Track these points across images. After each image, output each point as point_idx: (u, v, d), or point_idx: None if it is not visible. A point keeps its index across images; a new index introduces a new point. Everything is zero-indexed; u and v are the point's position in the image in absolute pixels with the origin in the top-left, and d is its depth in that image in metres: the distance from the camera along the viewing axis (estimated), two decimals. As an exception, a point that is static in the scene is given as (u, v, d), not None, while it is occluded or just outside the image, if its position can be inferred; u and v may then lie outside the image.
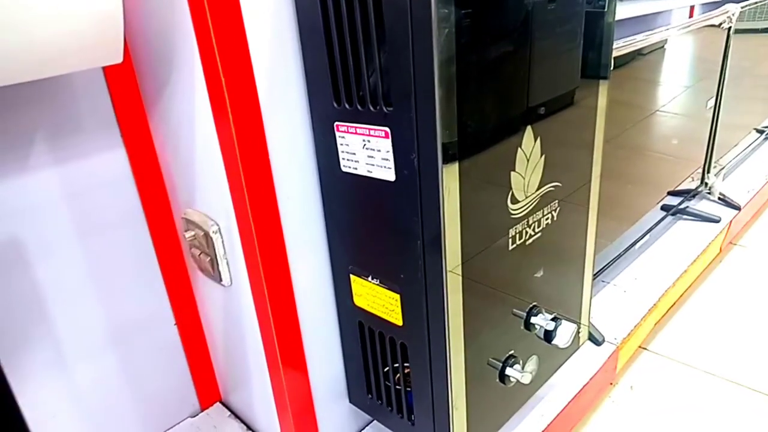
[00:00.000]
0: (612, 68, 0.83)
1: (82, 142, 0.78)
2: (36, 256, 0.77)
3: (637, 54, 1.30)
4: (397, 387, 0.80)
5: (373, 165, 0.66)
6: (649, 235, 1.45)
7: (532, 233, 0.77)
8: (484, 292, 0.72)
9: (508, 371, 0.79)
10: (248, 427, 0.99)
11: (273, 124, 0.69)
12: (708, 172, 1.65)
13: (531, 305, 0.81)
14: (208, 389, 1.04)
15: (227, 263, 0.80)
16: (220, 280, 0.81)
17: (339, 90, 0.65)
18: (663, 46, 1.34)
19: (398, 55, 0.57)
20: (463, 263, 0.66)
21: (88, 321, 0.85)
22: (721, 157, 1.85)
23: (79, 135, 0.78)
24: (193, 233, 0.82)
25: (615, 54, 1.04)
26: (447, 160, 0.59)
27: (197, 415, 1.02)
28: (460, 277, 0.66)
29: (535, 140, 0.71)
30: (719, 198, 1.66)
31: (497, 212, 0.69)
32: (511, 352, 0.80)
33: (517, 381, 0.80)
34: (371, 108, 0.63)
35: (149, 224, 0.87)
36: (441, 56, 0.55)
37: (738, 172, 1.90)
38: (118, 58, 0.61)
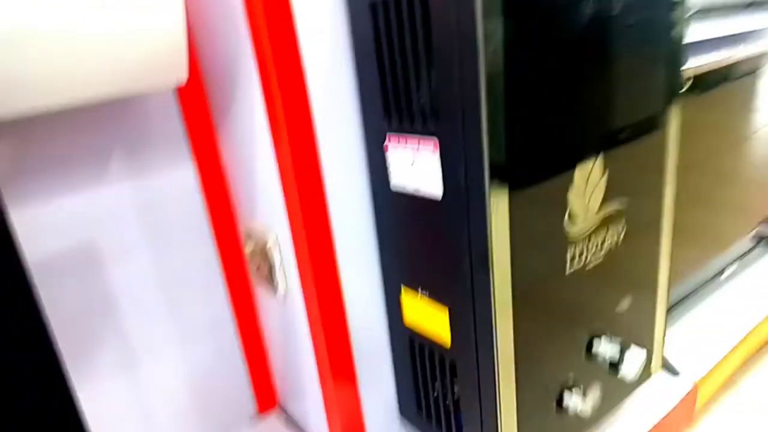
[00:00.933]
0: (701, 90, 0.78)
1: (154, 157, 0.84)
2: (110, 260, 0.84)
3: (730, 76, 1.22)
4: (447, 406, 0.78)
5: (420, 182, 0.65)
6: (737, 264, 1.33)
7: (593, 258, 0.73)
8: (538, 316, 0.69)
9: (566, 400, 0.75)
10: (303, 437, 1.00)
11: (327, 142, 0.70)
12: (812, 195, 1.50)
13: (595, 333, 0.77)
14: (266, 395, 1.06)
15: (284, 273, 0.82)
16: (276, 290, 0.84)
17: (390, 108, 0.66)
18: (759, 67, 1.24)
19: (446, 72, 0.57)
20: (513, 285, 0.63)
21: (154, 324, 0.90)
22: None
23: (151, 151, 0.83)
24: (252, 244, 0.85)
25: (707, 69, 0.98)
26: (495, 178, 0.58)
27: (254, 419, 1.05)
28: (511, 298, 0.64)
29: (596, 159, 0.68)
30: (826, 224, 1.49)
31: (552, 233, 0.67)
32: (571, 380, 0.76)
33: (576, 411, 0.75)
34: (420, 126, 0.63)
35: (215, 235, 0.92)
36: (488, 71, 0.54)
37: None
38: (182, 77, 0.66)
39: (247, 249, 0.85)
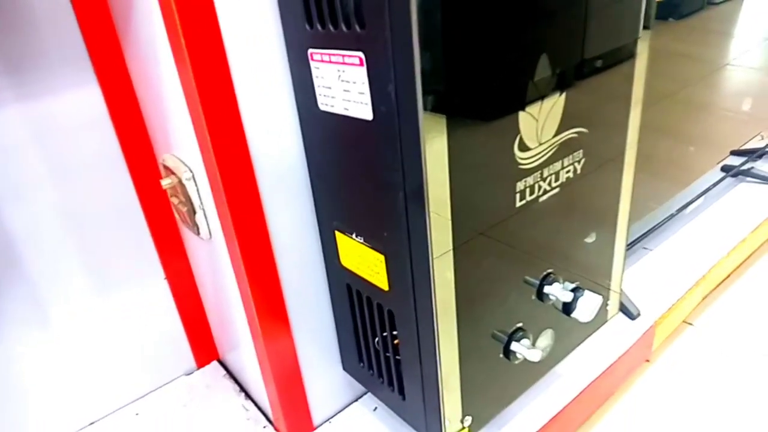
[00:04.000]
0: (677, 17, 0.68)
1: (48, 78, 0.71)
2: (5, 201, 0.73)
3: (707, 3, 1.12)
4: (387, 356, 0.72)
5: (349, 101, 0.56)
6: (704, 198, 1.29)
7: (548, 188, 0.65)
8: (482, 257, 0.61)
9: (514, 346, 0.69)
10: (241, 389, 0.94)
11: (239, 57, 0.59)
12: (782, 127, 1.44)
13: (546, 272, 0.70)
14: (204, 347, 0.99)
15: (204, 214, 0.73)
16: (198, 232, 0.74)
17: (310, 7, 0.55)
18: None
19: (369, -42, 0.46)
20: (454, 223, 0.55)
21: (67, 271, 0.80)
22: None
23: (43, 70, 0.71)
24: (169, 180, 0.74)
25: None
26: (430, 93, 0.48)
27: (192, 373, 0.98)
28: (450, 238, 0.56)
29: (554, 73, 0.59)
30: (793, 158, 1.45)
31: (499, 162, 0.58)
32: (520, 325, 0.70)
33: (525, 358, 0.70)
34: (344, 28, 0.52)
35: (130, 169, 0.81)
36: (418, -43, 0.43)
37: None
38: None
39: (165, 184, 0.75)
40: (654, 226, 1.18)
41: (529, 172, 0.61)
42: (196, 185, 0.71)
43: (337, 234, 0.68)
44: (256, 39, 0.60)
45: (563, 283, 0.72)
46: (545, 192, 0.65)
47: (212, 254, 0.78)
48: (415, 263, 0.58)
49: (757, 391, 0.99)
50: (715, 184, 1.32)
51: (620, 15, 0.65)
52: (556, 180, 0.65)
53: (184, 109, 0.63)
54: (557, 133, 0.63)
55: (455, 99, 0.51)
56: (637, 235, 1.15)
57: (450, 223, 0.55)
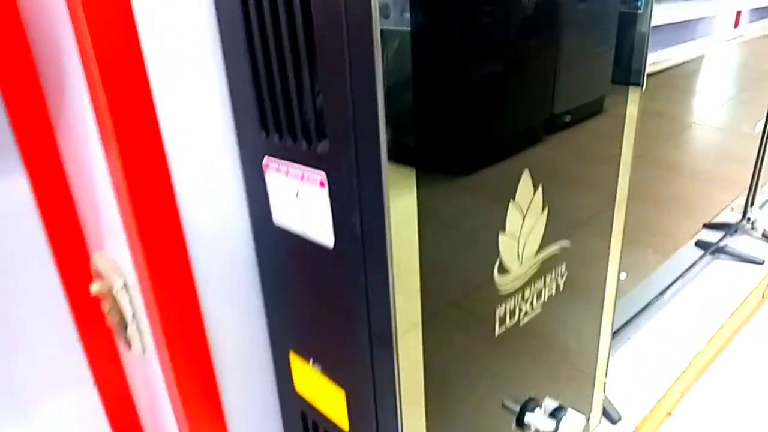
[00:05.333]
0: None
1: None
2: None
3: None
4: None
5: (308, 222, 0.48)
6: (681, 281, 1.25)
7: (529, 310, 0.58)
8: (458, 397, 0.53)
9: (492, 485, 0.61)
10: None
11: (182, 159, 0.51)
12: (751, 205, 1.44)
13: (526, 399, 0.63)
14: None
15: (137, 327, 0.63)
16: (130, 347, 0.64)
17: (266, 116, 0.48)
18: (702, 54, 1.14)
19: (333, 81, 0.39)
20: (426, 362, 0.48)
21: (-25, 384, 0.69)
22: (765, 184, 1.63)
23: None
24: (100, 284, 0.65)
25: (651, 70, 0.85)
26: (400, 224, 0.41)
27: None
28: (422, 382, 0.48)
29: (535, 189, 0.53)
30: (763, 235, 1.44)
31: (478, 289, 0.51)
32: (498, 458, 0.62)
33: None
34: (304, 144, 0.45)
35: (59, 266, 0.71)
36: (389, 79, 0.37)
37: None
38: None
39: (94, 290, 0.65)
40: (635, 314, 1.12)
41: (510, 296, 0.55)
42: (128, 295, 0.61)
43: (293, 356, 0.59)
44: (202, 137, 0.52)
45: (544, 406, 0.65)
46: (526, 315, 0.58)
47: (146, 370, 0.67)
48: (381, 408, 0.49)
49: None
50: (693, 265, 1.29)
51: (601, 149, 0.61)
52: (538, 299, 0.59)
53: (114, 210, 0.54)
54: (539, 251, 0.56)
55: (428, 229, 0.44)
56: (618, 326, 1.10)
57: (421, 361, 0.48)
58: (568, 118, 0.56)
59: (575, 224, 0.61)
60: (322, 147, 0.43)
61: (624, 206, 0.67)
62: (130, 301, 0.61)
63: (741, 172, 1.56)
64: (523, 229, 0.53)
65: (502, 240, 0.51)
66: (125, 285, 0.61)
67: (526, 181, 0.51)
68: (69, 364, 0.75)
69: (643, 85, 0.62)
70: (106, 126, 0.48)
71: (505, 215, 0.50)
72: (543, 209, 0.54)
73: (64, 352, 0.75)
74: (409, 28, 0.37)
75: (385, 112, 0.37)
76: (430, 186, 0.42)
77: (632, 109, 0.62)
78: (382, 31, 0.35)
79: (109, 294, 0.63)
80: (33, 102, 0.64)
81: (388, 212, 0.40)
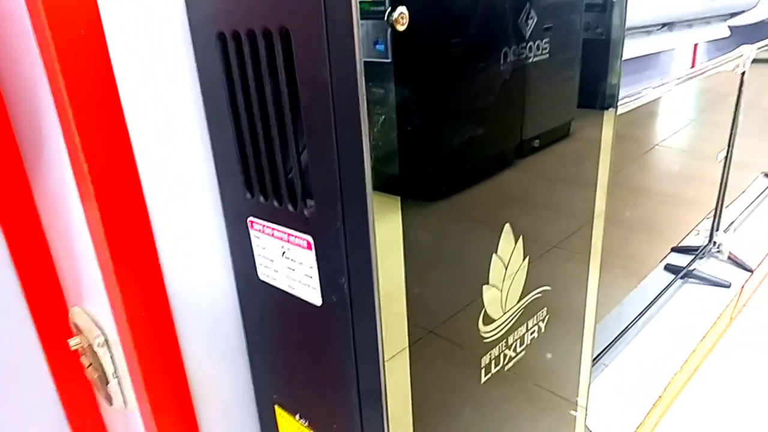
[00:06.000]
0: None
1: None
2: None
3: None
4: None
5: (294, 280, 0.48)
6: (654, 304, 1.28)
7: (513, 355, 0.59)
8: (446, 445, 0.54)
9: None
10: None
11: (163, 215, 0.51)
12: (717, 229, 1.49)
13: (511, 441, 0.64)
14: None
15: (119, 383, 0.62)
16: (111, 403, 0.63)
17: (251, 178, 0.48)
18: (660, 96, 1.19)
19: (319, 144, 0.40)
20: (414, 419, 0.48)
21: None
22: (730, 203, 1.69)
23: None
24: (78, 341, 0.64)
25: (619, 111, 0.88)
26: (388, 288, 0.42)
27: None
28: (411, 436, 0.49)
29: (516, 241, 0.54)
30: (729, 258, 1.49)
31: (464, 340, 0.52)
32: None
33: None
34: (290, 207, 0.46)
35: (35, 321, 0.69)
36: (376, 152, 0.38)
37: (747, 223, 1.73)
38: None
39: (74, 344, 0.64)
40: (611, 342, 1.15)
41: (494, 343, 0.56)
42: (109, 351, 0.60)
43: (278, 411, 0.59)
44: (185, 194, 0.53)
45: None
46: (510, 359, 0.59)
47: (128, 425, 0.66)
48: (371, 465, 0.49)
49: None
50: (662, 292, 1.33)
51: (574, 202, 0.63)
52: (521, 344, 0.60)
53: (94, 265, 0.54)
54: (521, 298, 0.58)
55: (416, 287, 0.45)
56: (596, 354, 1.12)
57: (411, 419, 0.48)
58: (537, 143, 0.56)
59: (554, 266, 0.62)
60: (309, 210, 0.44)
61: (601, 232, 0.68)
62: (111, 357, 0.60)
63: (705, 192, 1.61)
64: (505, 279, 0.54)
65: (486, 291, 0.52)
66: (106, 341, 0.60)
67: (507, 234, 0.52)
68: (48, 419, 0.73)
69: (616, 109, 0.63)
70: (87, 189, 0.48)
71: (489, 267, 0.52)
72: (524, 258, 0.56)
73: (43, 407, 0.73)
74: (394, 97, 0.38)
75: (370, 181, 0.38)
76: (417, 245, 0.43)
77: (607, 132, 0.63)
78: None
79: (89, 349, 0.62)
80: (8, 157, 0.63)
81: (377, 274, 0.41)
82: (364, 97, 0.36)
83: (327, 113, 0.38)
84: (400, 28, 0.36)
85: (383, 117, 0.37)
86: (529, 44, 0.47)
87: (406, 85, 0.38)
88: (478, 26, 0.42)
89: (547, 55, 0.50)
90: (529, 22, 0.46)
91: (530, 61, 0.48)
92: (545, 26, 0.48)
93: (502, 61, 0.45)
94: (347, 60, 0.35)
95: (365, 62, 0.35)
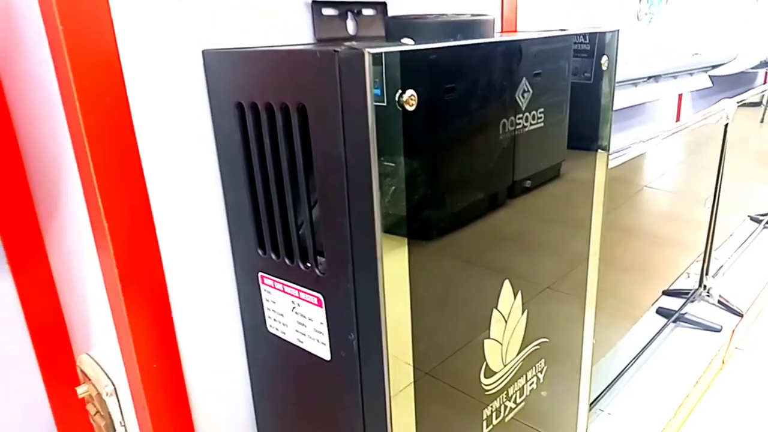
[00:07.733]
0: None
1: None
2: None
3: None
4: None
5: (304, 335, 0.50)
6: (647, 349, 1.30)
7: (513, 406, 0.61)
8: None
9: None
10: None
11: (178, 268, 0.53)
12: (706, 273, 1.52)
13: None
14: None
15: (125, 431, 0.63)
16: (116, 452, 0.64)
17: (263, 236, 0.51)
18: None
19: (332, 211, 0.43)
20: (418, 472, 0.49)
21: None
22: (719, 246, 1.73)
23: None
24: (86, 388, 0.65)
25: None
26: (398, 346, 0.44)
27: None
28: (416, 490, 0.50)
29: (515, 295, 0.57)
30: (719, 301, 1.52)
31: (467, 395, 0.54)
32: None
33: None
34: (301, 265, 0.48)
35: (42, 371, 0.70)
36: (386, 220, 0.41)
37: (736, 267, 1.77)
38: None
39: (81, 392, 0.65)
40: (606, 387, 1.16)
41: (495, 395, 0.58)
42: (117, 400, 0.61)
43: (284, 461, 0.60)
44: (197, 247, 0.55)
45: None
46: (510, 410, 0.61)
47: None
48: None
49: None
50: (655, 336, 1.35)
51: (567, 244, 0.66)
52: (521, 395, 0.62)
53: (108, 319, 0.55)
54: (521, 350, 0.60)
55: (423, 342, 0.47)
56: (593, 397, 1.13)
57: (415, 472, 0.50)
58: (528, 183, 0.59)
59: (551, 314, 0.65)
60: (320, 268, 0.46)
61: (596, 274, 0.70)
62: (119, 406, 0.61)
63: (693, 234, 1.65)
64: (505, 332, 0.56)
65: (488, 345, 0.54)
66: (115, 390, 0.61)
67: (506, 290, 0.55)
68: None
69: (609, 151, 0.66)
70: (106, 246, 0.50)
71: (489, 322, 0.54)
72: (523, 312, 0.58)
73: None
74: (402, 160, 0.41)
75: (381, 246, 0.41)
76: (424, 306, 0.46)
77: (600, 174, 0.66)
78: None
79: (98, 398, 0.63)
80: (23, 210, 0.65)
81: (386, 331, 0.43)
82: (377, 170, 0.39)
83: (341, 183, 0.41)
84: (410, 108, 0.39)
85: (393, 188, 0.40)
86: (525, 114, 0.51)
87: (414, 159, 0.41)
88: (479, 103, 0.46)
89: (542, 124, 0.53)
90: (525, 95, 0.50)
91: (527, 130, 0.52)
92: (539, 105, 0.52)
93: (501, 132, 0.49)
94: (361, 137, 0.38)
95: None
